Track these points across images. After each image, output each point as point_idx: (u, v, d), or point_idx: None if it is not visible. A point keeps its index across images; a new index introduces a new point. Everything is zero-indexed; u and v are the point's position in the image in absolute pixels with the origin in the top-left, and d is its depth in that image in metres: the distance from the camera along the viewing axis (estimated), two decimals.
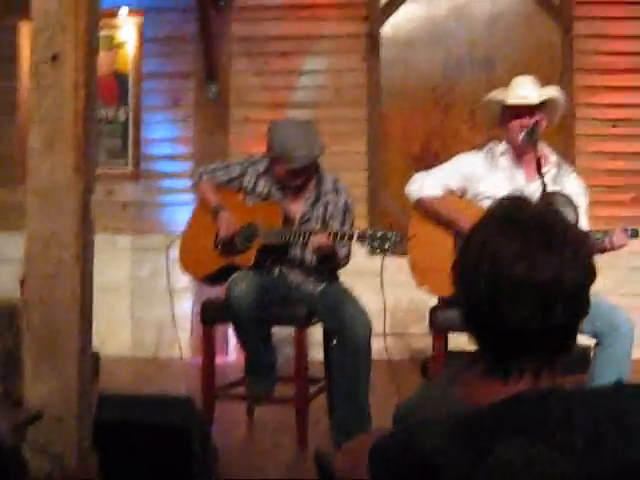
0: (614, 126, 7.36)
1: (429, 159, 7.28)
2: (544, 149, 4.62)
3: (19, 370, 4.12)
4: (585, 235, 1.69)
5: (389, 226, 7.15)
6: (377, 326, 4.53)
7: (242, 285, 4.44)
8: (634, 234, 4.24)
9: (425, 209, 4.62)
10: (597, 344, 4.16)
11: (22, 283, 4.41)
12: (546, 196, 4.19)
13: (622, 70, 7.39)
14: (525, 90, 4.48)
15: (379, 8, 7.50)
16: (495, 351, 1.62)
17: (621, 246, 4.23)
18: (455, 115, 7.39)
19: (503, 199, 1.72)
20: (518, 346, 1.59)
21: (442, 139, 7.40)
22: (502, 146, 4.63)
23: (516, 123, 4.45)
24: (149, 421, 3.46)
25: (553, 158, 4.63)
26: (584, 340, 4.24)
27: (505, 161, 4.59)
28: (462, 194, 4.65)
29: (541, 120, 4.46)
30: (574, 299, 1.57)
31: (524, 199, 1.73)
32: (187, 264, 4.93)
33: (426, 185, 4.62)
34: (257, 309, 4.44)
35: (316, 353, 4.96)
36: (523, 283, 1.54)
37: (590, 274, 1.61)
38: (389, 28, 7.51)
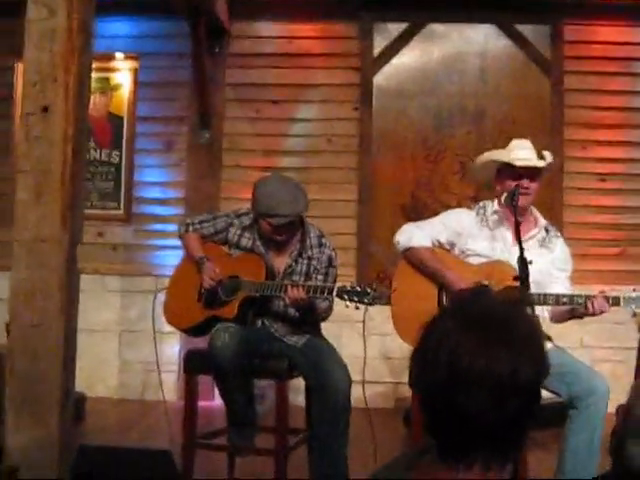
0: (602, 180, 7.43)
1: (418, 209, 7.37)
2: (534, 212, 4.69)
3: (1, 417, 4.14)
4: (540, 330, 1.74)
5: (377, 275, 7.23)
6: (369, 374, 4.57)
7: (225, 337, 4.47)
8: (615, 302, 4.27)
9: (412, 260, 4.67)
10: (573, 407, 4.20)
11: (7, 326, 4.43)
12: (508, 289, 4.26)
13: (611, 125, 7.47)
14: (528, 153, 4.55)
15: (372, 58, 7.58)
16: (449, 440, 1.66)
17: (601, 312, 4.27)
18: (445, 166, 7.46)
19: (465, 291, 1.77)
20: (470, 436, 1.62)
21: (431, 190, 7.47)
22: (494, 205, 4.69)
23: (514, 184, 4.50)
24: (127, 474, 3.48)
25: (542, 222, 4.71)
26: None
27: (495, 221, 4.64)
28: (450, 248, 4.71)
29: (538, 184, 4.55)
30: (527, 393, 1.61)
31: (485, 292, 1.77)
32: (171, 315, 4.96)
33: (415, 236, 4.67)
34: (239, 361, 4.47)
35: (302, 399, 4.97)
36: (480, 376, 1.58)
37: (544, 370, 1.65)
38: (382, 78, 7.59)
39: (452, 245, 4.72)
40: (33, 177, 4.04)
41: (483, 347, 1.60)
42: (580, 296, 4.33)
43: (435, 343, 1.67)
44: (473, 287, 4.38)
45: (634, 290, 4.36)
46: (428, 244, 4.68)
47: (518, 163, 4.53)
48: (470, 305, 1.72)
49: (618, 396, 4.74)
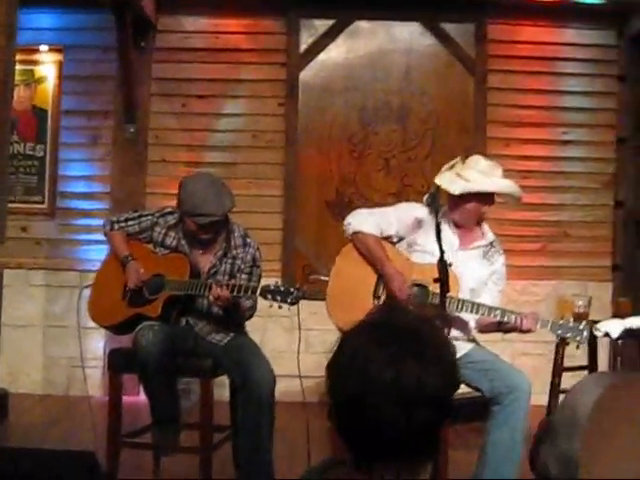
0: (524, 177, 7.54)
1: (343, 205, 7.42)
2: (484, 227, 4.80)
3: None
4: (450, 346, 1.79)
5: (302, 269, 7.27)
6: (293, 368, 4.60)
7: (149, 335, 4.49)
8: (544, 325, 4.38)
9: (358, 244, 4.72)
10: (495, 403, 4.29)
11: None
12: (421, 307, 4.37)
13: (533, 123, 7.61)
14: (505, 181, 4.73)
15: (298, 54, 7.61)
16: (359, 451, 1.71)
17: (528, 331, 4.39)
18: (370, 163, 7.52)
19: (381, 307, 1.82)
20: (380, 448, 1.67)
21: (356, 186, 7.53)
22: (445, 209, 4.73)
23: (478, 208, 4.62)
24: (50, 476, 3.47)
25: (489, 236, 4.81)
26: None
27: (446, 224, 4.69)
28: (397, 241, 4.76)
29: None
30: (436, 405, 1.66)
31: (400, 308, 1.82)
32: (95, 312, 4.95)
33: (366, 222, 4.72)
34: (164, 359, 4.49)
35: (227, 394, 4.98)
36: (389, 388, 1.64)
37: (453, 382, 1.70)
38: (308, 74, 7.62)
39: (400, 238, 4.78)
40: None
41: (392, 360, 1.65)
42: (512, 312, 4.43)
43: (349, 356, 1.71)
44: (389, 302, 4.46)
45: (562, 317, 4.53)
46: (377, 232, 4.73)
47: (498, 191, 4.73)
48: (384, 320, 1.77)
49: (538, 389, 4.88)
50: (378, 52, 7.61)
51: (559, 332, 4.42)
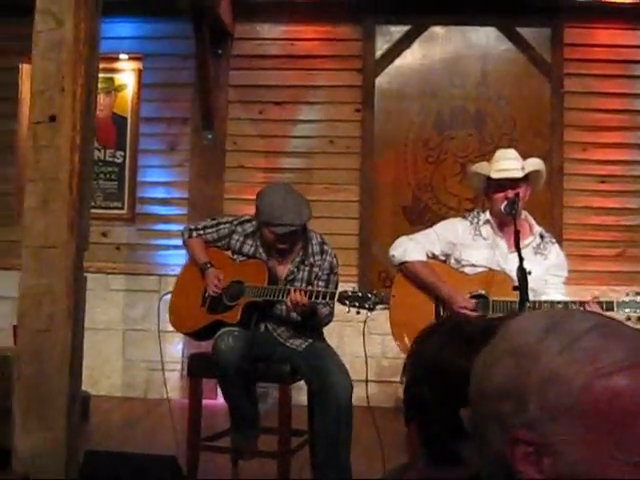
0: (602, 182, 7.48)
1: (419, 210, 7.43)
2: (528, 219, 4.76)
3: (10, 420, 4.20)
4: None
5: (378, 275, 7.29)
6: (363, 373, 4.64)
7: (229, 340, 4.55)
8: (609, 307, 4.35)
9: (408, 273, 4.75)
10: None
11: (15, 329, 4.49)
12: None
13: (611, 127, 7.52)
14: (508, 164, 4.61)
15: (374, 60, 7.63)
16: (438, 447, 1.73)
17: None
18: (446, 168, 7.51)
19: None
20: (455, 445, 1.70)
21: (432, 191, 7.52)
22: (486, 215, 4.76)
23: (500, 195, 4.58)
24: (134, 479, 3.55)
25: (537, 229, 4.77)
26: None
27: (488, 229, 4.72)
28: (445, 259, 4.78)
29: (524, 192, 4.60)
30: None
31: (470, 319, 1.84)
32: (175, 319, 5.04)
33: (409, 250, 4.75)
34: (243, 364, 4.54)
35: (304, 398, 5.02)
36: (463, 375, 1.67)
37: None
38: (384, 80, 7.63)
39: (447, 256, 4.80)
40: (41, 185, 4.08)
41: (467, 357, 1.68)
42: (574, 302, 4.40)
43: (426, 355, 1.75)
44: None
45: (627, 294, 4.45)
46: (422, 257, 4.76)
47: (494, 175, 4.62)
48: (465, 322, 1.81)
49: None
50: (454, 57, 7.60)
51: (626, 310, 4.38)
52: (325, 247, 4.94)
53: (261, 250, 4.87)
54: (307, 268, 4.86)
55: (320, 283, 4.83)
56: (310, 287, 4.75)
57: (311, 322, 4.80)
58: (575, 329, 1.19)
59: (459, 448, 1.67)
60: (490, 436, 1.21)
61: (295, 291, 4.58)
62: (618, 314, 4.39)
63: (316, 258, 4.88)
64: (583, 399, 1.13)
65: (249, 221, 4.95)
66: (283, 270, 4.88)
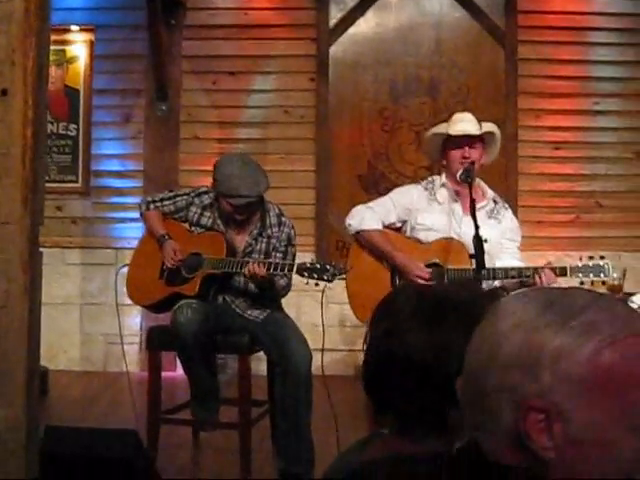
0: (556, 148, 7.53)
1: (375, 179, 7.45)
2: (481, 185, 4.79)
3: None
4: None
5: (335, 243, 7.30)
6: (328, 342, 4.66)
7: (187, 313, 4.55)
8: (562, 272, 4.40)
9: (364, 242, 4.77)
10: None
11: None
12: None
13: (564, 94, 7.56)
14: (466, 124, 4.64)
15: (328, 29, 7.60)
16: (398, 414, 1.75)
17: (549, 284, 4.40)
18: (401, 136, 7.52)
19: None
20: (413, 412, 1.72)
21: (388, 160, 7.54)
22: (442, 179, 4.78)
23: (457, 153, 4.62)
24: (95, 454, 3.54)
25: (490, 193, 4.80)
26: None
27: (444, 193, 4.75)
28: (402, 225, 4.80)
29: (479, 154, 4.63)
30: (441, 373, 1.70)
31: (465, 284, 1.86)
32: (133, 292, 5.02)
33: (365, 219, 4.76)
34: (202, 337, 4.55)
35: (264, 368, 5.04)
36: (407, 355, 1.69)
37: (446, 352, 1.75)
38: (338, 49, 7.61)
39: (403, 222, 4.83)
40: None
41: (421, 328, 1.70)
42: (528, 269, 4.45)
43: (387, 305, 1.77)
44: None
45: (580, 259, 4.50)
46: (379, 226, 4.77)
47: (454, 132, 4.65)
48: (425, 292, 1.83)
49: None
50: (408, 25, 7.59)
51: (580, 274, 4.45)
52: (283, 219, 4.94)
53: (219, 222, 4.87)
54: (265, 240, 4.87)
55: (278, 255, 4.84)
56: (268, 259, 4.75)
57: (269, 293, 4.81)
58: (574, 304, 1.28)
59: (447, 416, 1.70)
60: (499, 406, 1.27)
61: (253, 263, 4.59)
62: (571, 280, 4.44)
63: (274, 230, 4.88)
64: (591, 368, 1.22)
65: (206, 193, 4.94)
66: (241, 241, 4.88)
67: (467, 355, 1.36)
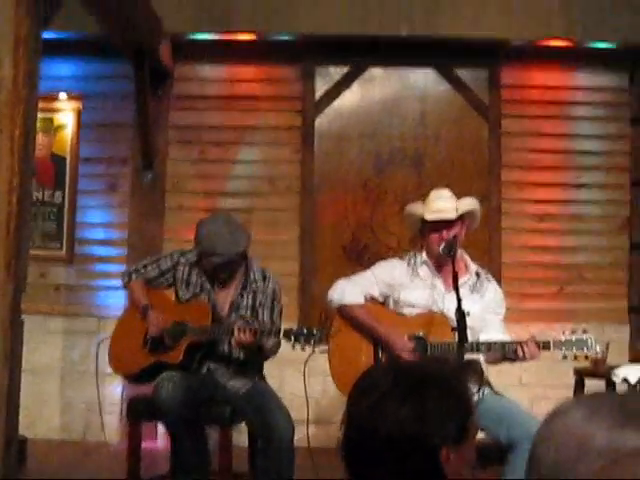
0: (540, 221, 7.58)
1: (359, 250, 7.46)
2: (464, 257, 4.80)
3: None
4: (458, 400, 1.82)
5: (319, 315, 7.29)
6: (303, 414, 4.63)
7: (169, 387, 4.53)
8: (545, 346, 4.41)
9: (346, 316, 4.77)
10: (512, 450, 4.29)
11: None
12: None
13: (548, 167, 7.64)
14: (442, 204, 4.64)
15: (314, 101, 7.67)
16: None
17: (532, 358, 4.40)
18: (385, 208, 7.55)
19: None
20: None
21: (372, 231, 7.55)
22: (422, 256, 4.79)
23: (435, 236, 4.62)
24: None
25: (472, 267, 4.81)
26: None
27: (425, 270, 4.75)
28: (384, 300, 4.81)
29: (459, 232, 4.64)
30: (414, 456, 1.70)
31: (438, 359, 1.87)
32: (116, 362, 5.01)
33: (347, 292, 4.77)
34: (183, 410, 4.52)
35: (245, 439, 4.99)
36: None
37: (445, 436, 1.74)
38: (323, 121, 7.67)
39: (386, 297, 4.83)
40: None
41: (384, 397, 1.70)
42: (511, 343, 4.46)
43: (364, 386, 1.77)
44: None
45: (563, 333, 4.50)
46: (360, 300, 4.78)
47: (428, 217, 4.66)
48: (405, 365, 1.83)
49: None
50: (393, 98, 7.67)
51: (563, 348, 4.45)
52: (267, 274, 5.00)
53: (204, 278, 4.90)
54: (250, 295, 4.90)
55: (265, 311, 4.87)
56: (256, 323, 4.76)
57: (256, 358, 4.81)
58: None
59: None
60: None
61: (240, 331, 4.59)
62: (554, 353, 4.45)
63: (259, 284, 4.92)
64: None
65: (191, 252, 4.98)
66: (226, 297, 4.90)
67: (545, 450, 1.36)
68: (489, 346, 4.46)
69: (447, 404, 1.75)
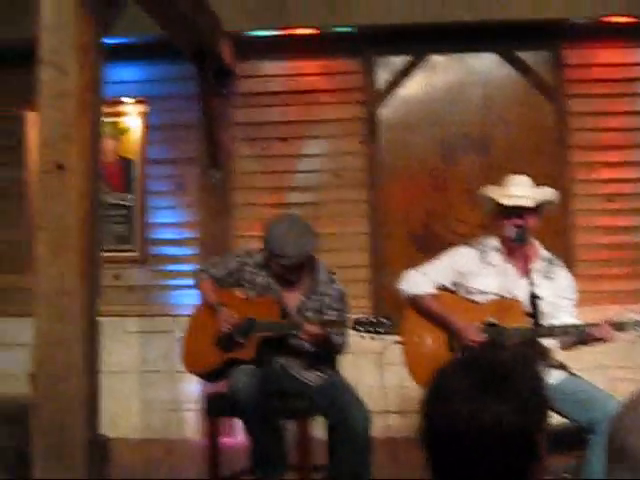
0: (609, 201, 7.48)
1: (430, 239, 7.43)
2: (534, 243, 4.75)
3: (29, 469, 4.21)
4: (541, 381, 1.81)
5: (391, 306, 7.27)
6: (381, 404, 4.64)
7: (244, 379, 4.57)
8: (620, 327, 4.37)
9: (417, 307, 4.76)
10: (592, 432, 4.25)
11: (32, 377, 4.51)
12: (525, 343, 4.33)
13: (616, 146, 7.53)
14: (520, 191, 4.59)
15: (376, 92, 7.66)
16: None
17: (608, 341, 4.36)
18: (454, 195, 7.51)
19: (480, 346, 1.86)
20: None
21: (443, 219, 7.52)
22: (494, 241, 4.75)
23: (509, 222, 4.57)
24: None
25: (543, 253, 4.77)
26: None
27: (497, 256, 4.72)
28: (455, 289, 4.78)
29: (533, 222, 4.59)
30: (518, 444, 1.68)
31: (493, 345, 1.86)
32: (189, 362, 5.07)
33: (418, 283, 4.76)
34: (260, 401, 4.56)
35: (322, 432, 5.00)
36: (469, 425, 1.67)
37: (540, 422, 1.72)
38: (386, 111, 7.67)
39: (457, 286, 4.80)
40: (51, 233, 4.12)
41: (472, 396, 1.68)
42: (585, 325, 4.42)
43: (435, 390, 1.76)
44: (485, 341, 4.44)
45: (637, 313, 4.46)
46: (432, 290, 4.76)
47: (504, 202, 4.60)
48: (473, 357, 1.81)
49: None
50: (456, 85, 7.63)
51: (638, 328, 4.40)
52: (333, 277, 4.99)
53: (272, 280, 4.93)
54: (317, 297, 4.91)
55: (331, 312, 4.87)
56: (323, 316, 4.78)
57: (326, 353, 4.82)
58: None
59: None
60: None
61: (309, 323, 4.62)
62: (629, 334, 4.40)
63: (326, 287, 4.93)
64: None
65: (259, 253, 5.00)
66: (294, 300, 4.93)
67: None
68: (565, 329, 4.43)
69: (534, 391, 1.75)
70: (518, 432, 1.67)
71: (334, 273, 5.05)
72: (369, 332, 4.55)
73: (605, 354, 6.96)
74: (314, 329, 4.61)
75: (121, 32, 5.77)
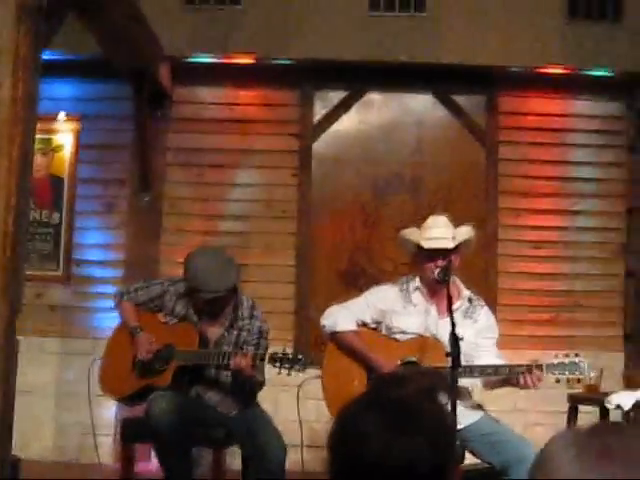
0: (536, 247, 7.59)
1: (356, 274, 7.46)
2: (456, 283, 4.79)
3: None
4: (448, 419, 1.81)
5: (314, 339, 7.27)
6: (298, 438, 4.62)
7: (162, 404, 4.53)
8: (538, 369, 4.42)
9: (339, 342, 4.77)
10: (505, 475, 4.29)
11: None
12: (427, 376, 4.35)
13: (544, 194, 7.65)
14: (439, 232, 4.64)
15: (312, 125, 7.69)
16: None
17: (537, 387, 4.42)
18: (382, 232, 7.54)
19: (382, 377, 1.85)
20: None
21: (369, 255, 7.56)
22: (416, 282, 4.79)
23: (431, 264, 4.61)
24: None
25: (465, 293, 4.81)
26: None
27: (419, 296, 4.76)
28: (376, 326, 4.81)
29: (455, 261, 4.63)
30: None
31: (402, 378, 1.85)
32: (106, 386, 5.02)
33: (340, 319, 4.78)
34: (177, 428, 4.51)
35: (238, 462, 4.97)
36: (377, 460, 1.66)
37: (450, 454, 1.73)
38: (321, 145, 7.70)
39: (378, 323, 4.83)
40: None
41: (381, 433, 1.68)
42: (505, 367, 4.46)
43: (341, 427, 1.75)
44: (394, 371, 4.47)
45: (556, 357, 4.51)
46: (353, 327, 4.79)
47: (426, 245, 4.65)
48: (377, 392, 1.81)
49: None
50: (390, 123, 7.70)
51: (556, 373, 4.45)
52: (255, 312, 4.98)
53: (192, 311, 4.90)
54: (236, 332, 4.90)
55: (250, 348, 4.85)
56: (246, 350, 4.77)
57: (245, 388, 4.80)
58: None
59: None
60: None
61: (236, 355, 4.61)
62: (547, 377, 4.45)
63: (245, 322, 4.92)
64: None
65: (181, 281, 4.97)
66: (213, 333, 4.92)
67: None
68: (482, 370, 4.46)
69: (441, 423, 1.75)
70: (430, 467, 1.67)
71: (255, 308, 5.02)
72: (284, 368, 4.56)
73: (523, 398, 7.03)
74: (242, 360, 4.60)
75: (58, 48, 5.72)
